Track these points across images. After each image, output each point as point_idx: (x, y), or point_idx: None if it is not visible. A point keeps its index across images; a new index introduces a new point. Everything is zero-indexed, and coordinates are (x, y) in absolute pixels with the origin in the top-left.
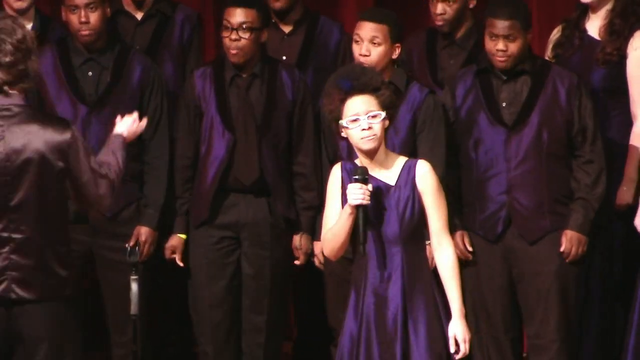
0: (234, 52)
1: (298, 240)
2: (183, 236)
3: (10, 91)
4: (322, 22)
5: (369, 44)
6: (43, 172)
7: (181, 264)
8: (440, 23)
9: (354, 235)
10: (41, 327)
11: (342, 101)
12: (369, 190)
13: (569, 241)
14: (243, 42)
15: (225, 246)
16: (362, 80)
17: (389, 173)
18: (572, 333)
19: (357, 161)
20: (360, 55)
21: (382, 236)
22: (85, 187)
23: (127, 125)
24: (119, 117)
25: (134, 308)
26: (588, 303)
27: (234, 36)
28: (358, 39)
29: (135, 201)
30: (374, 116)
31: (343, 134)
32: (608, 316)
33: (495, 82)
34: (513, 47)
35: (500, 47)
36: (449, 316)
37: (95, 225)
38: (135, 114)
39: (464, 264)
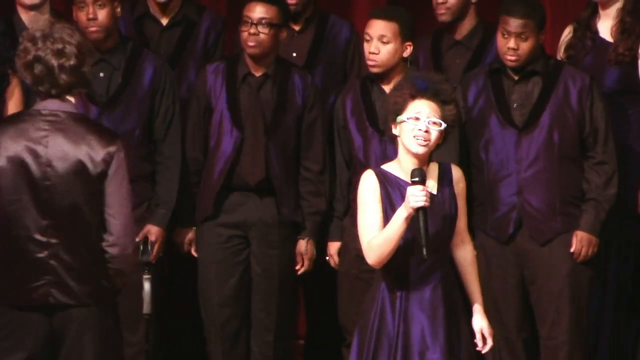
0: (251, 44)
1: (304, 245)
2: (194, 227)
3: (67, 97)
4: (332, 21)
5: (378, 42)
6: (83, 180)
7: (195, 254)
8: (442, 11)
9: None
10: (82, 332)
11: (412, 97)
12: (429, 192)
13: (580, 242)
14: (262, 36)
15: (234, 245)
16: (437, 87)
17: (429, 179)
18: (584, 335)
19: (392, 163)
20: (370, 53)
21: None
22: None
23: None
24: None
25: (146, 307)
26: (603, 306)
27: (252, 30)
28: (368, 38)
29: (146, 201)
30: (434, 122)
31: (395, 131)
32: (621, 320)
33: (506, 83)
34: (524, 47)
35: (512, 45)
36: (468, 314)
37: None
38: None
39: None
